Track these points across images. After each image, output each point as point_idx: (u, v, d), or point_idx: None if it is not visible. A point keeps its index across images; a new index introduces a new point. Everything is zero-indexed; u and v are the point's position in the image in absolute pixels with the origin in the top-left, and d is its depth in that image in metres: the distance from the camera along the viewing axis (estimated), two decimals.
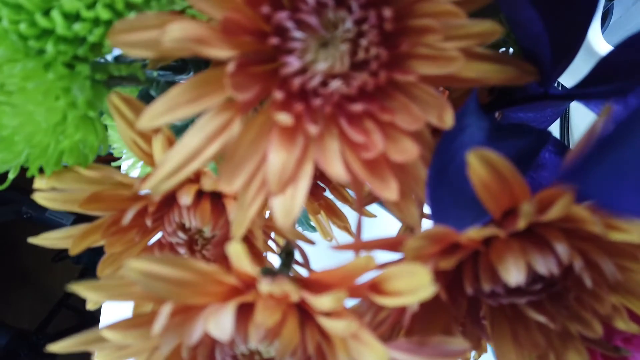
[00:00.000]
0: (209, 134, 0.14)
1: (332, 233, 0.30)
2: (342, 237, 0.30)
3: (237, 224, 0.15)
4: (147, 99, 0.22)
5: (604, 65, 0.18)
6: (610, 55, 0.17)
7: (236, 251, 0.13)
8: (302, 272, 0.21)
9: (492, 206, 0.14)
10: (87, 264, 1.43)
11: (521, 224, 0.13)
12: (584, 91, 0.18)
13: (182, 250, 0.20)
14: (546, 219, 0.14)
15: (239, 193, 0.15)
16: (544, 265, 0.14)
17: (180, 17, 0.13)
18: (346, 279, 0.14)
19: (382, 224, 0.33)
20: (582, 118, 0.44)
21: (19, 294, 1.52)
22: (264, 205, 0.15)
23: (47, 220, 1.26)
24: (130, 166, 0.29)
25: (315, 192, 0.28)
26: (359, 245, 0.15)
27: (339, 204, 0.29)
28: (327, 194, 0.28)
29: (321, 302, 0.13)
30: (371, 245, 0.15)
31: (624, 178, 0.10)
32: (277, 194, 0.14)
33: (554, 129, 0.44)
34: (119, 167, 0.31)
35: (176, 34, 0.13)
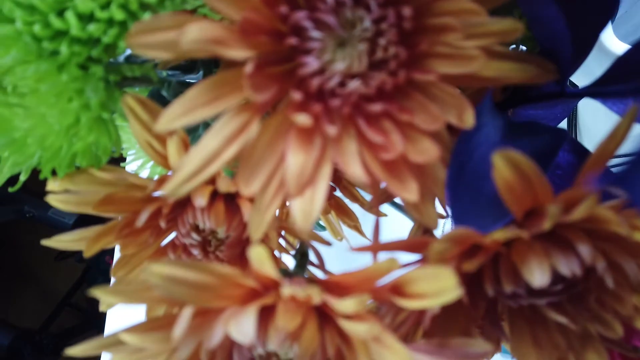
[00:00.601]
0: (228, 136, 0.14)
1: (342, 232, 0.30)
2: (352, 236, 0.30)
3: (255, 226, 0.15)
4: (157, 99, 0.22)
5: (622, 64, 0.17)
6: (628, 53, 0.17)
7: (258, 255, 0.13)
8: (317, 272, 0.21)
9: (515, 207, 0.14)
10: (89, 263, 1.43)
11: (547, 225, 0.13)
12: (602, 90, 0.18)
13: (195, 252, 0.20)
14: (571, 219, 0.13)
15: (255, 195, 0.15)
16: (567, 267, 0.14)
17: (198, 18, 0.13)
18: (367, 281, 0.14)
19: (392, 222, 0.33)
20: (591, 115, 0.43)
21: (22, 293, 1.52)
22: (281, 207, 0.15)
23: (50, 220, 1.26)
24: (140, 167, 0.29)
25: None
26: (378, 247, 0.15)
27: (349, 203, 0.29)
28: (337, 193, 0.28)
29: (344, 305, 0.13)
30: (390, 247, 0.15)
31: None
32: (296, 196, 0.14)
33: (562, 126, 0.44)
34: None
35: (194, 35, 0.13)
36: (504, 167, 0.13)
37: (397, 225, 0.32)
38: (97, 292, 0.14)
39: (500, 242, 0.14)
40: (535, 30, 0.17)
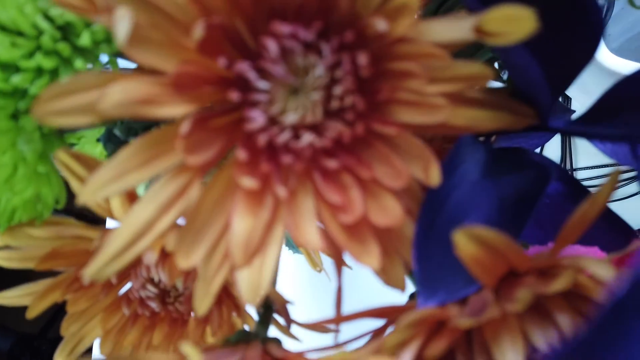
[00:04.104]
0: (163, 202, 0.13)
1: (320, 263, 0.28)
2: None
3: (200, 299, 0.13)
4: (112, 139, 0.20)
5: (609, 98, 0.16)
6: (616, 87, 0.16)
7: (189, 353, 0.11)
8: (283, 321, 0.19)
9: (487, 279, 0.12)
10: None
11: (518, 307, 0.11)
12: (589, 130, 0.16)
13: (153, 304, 0.19)
14: (550, 291, 0.12)
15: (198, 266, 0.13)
16: (544, 340, 0.13)
17: (123, 76, 0.12)
18: None
19: None
20: None
21: None
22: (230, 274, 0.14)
23: None
24: None
25: None
26: (341, 319, 0.14)
27: None
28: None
29: None
30: (355, 317, 0.14)
31: None
32: (243, 266, 0.13)
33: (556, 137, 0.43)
34: None
35: (117, 97, 0.11)
36: (469, 244, 0.11)
37: None
38: None
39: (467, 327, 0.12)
40: (511, 73, 0.15)
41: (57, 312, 1.39)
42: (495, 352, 0.12)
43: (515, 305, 0.11)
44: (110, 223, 0.28)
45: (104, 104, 0.11)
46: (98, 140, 0.22)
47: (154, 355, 0.12)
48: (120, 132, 0.20)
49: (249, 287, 0.13)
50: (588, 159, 0.45)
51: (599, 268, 0.11)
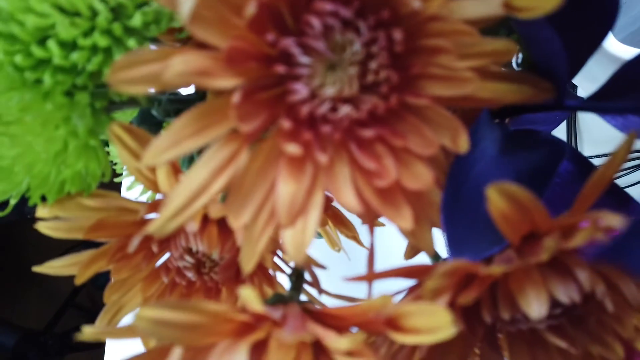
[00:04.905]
0: (216, 167, 0.14)
1: (340, 243, 0.29)
2: (350, 245, 0.30)
3: (246, 258, 0.14)
4: (147, 118, 0.21)
5: (622, 76, 0.17)
6: (629, 65, 0.17)
7: (248, 296, 0.12)
8: (314, 292, 0.20)
9: (512, 235, 0.13)
10: None
11: (544, 257, 0.13)
12: (602, 105, 0.17)
13: (189, 274, 0.20)
14: (570, 247, 0.13)
15: (246, 226, 0.14)
16: (566, 294, 0.14)
17: (182, 50, 0.13)
18: (361, 315, 0.13)
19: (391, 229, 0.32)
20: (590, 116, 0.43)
21: (25, 294, 1.52)
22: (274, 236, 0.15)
23: None
24: (134, 182, 0.28)
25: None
26: (373, 276, 0.15)
27: (346, 212, 0.29)
28: (335, 203, 0.28)
29: (339, 343, 0.12)
30: (386, 275, 0.15)
31: None
32: (288, 226, 0.14)
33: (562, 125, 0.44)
34: (121, 183, 0.30)
35: (179, 68, 0.12)
36: (499, 199, 0.12)
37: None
38: (86, 335, 0.13)
39: (498, 275, 0.14)
40: (531, 50, 0.16)
41: (62, 307, 1.41)
42: (521, 303, 0.13)
43: (541, 255, 0.12)
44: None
45: (168, 74, 0.12)
46: (131, 122, 0.23)
47: (207, 303, 0.13)
48: (157, 113, 0.21)
49: (293, 245, 0.14)
50: (593, 148, 0.47)
51: (614, 220, 0.12)
